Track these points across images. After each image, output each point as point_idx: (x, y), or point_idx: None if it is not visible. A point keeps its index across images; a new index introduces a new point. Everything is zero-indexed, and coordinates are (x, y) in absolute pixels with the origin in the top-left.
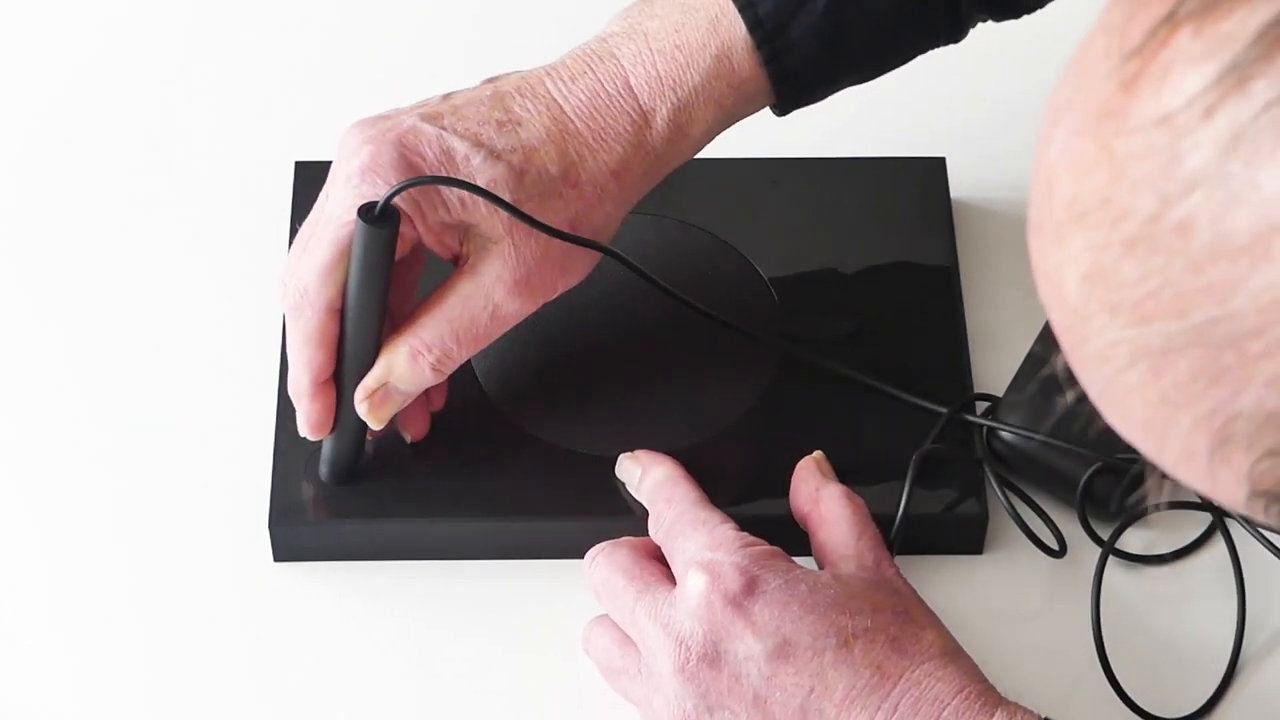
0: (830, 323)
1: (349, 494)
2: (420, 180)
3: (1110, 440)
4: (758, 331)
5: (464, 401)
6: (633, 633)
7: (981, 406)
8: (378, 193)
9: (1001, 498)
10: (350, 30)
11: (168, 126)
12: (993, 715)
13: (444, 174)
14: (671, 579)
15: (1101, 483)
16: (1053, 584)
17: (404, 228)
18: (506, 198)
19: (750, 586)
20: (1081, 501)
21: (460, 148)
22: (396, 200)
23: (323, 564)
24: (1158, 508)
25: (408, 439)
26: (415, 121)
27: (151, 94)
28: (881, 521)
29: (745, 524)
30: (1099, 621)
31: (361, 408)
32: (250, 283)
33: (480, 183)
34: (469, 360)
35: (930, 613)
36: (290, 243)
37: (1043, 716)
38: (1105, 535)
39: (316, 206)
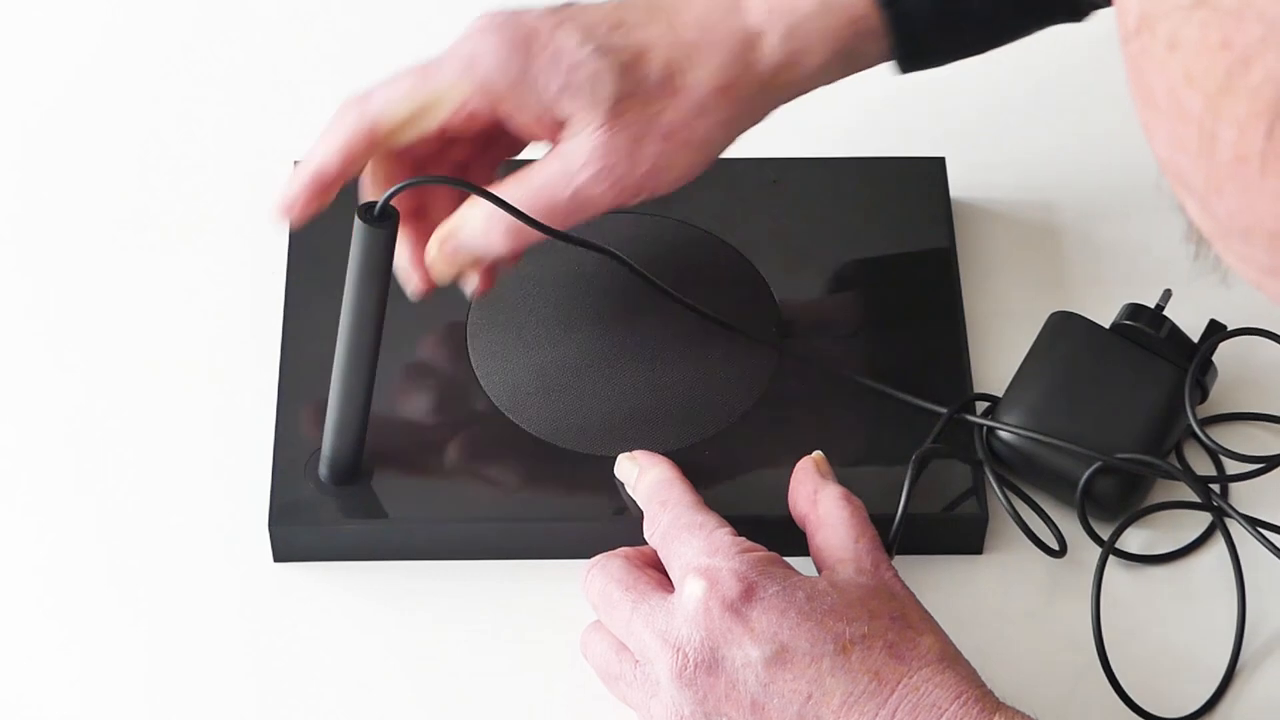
0: (830, 323)
1: (349, 494)
2: (420, 180)
3: (1110, 440)
4: (758, 332)
5: (464, 402)
6: (630, 641)
7: (981, 406)
8: (484, 52)
9: (1001, 498)
10: (351, 30)
11: (168, 126)
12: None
13: (553, 62)
14: (666, 585)
15: (1101, 483)
16: (1053, 584)
17: (481, 109)
18: (610, 90)
19: (748, 593)
20: (1081, 501)
21: (574, 37)
22: (508, 72)
23: (323, 564)
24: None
25: (467, 292)
26: (540, 12)
27: (151, 93)
28: (881, 522)
29: (744, 525)
30: (1099, 621)
31: (432, 249)
32: (250, 283)
33: (585, 73)
34: (468, 360)
35: (928, 617)
36: (290, 243)
37: None
38: (1105, 535)
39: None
